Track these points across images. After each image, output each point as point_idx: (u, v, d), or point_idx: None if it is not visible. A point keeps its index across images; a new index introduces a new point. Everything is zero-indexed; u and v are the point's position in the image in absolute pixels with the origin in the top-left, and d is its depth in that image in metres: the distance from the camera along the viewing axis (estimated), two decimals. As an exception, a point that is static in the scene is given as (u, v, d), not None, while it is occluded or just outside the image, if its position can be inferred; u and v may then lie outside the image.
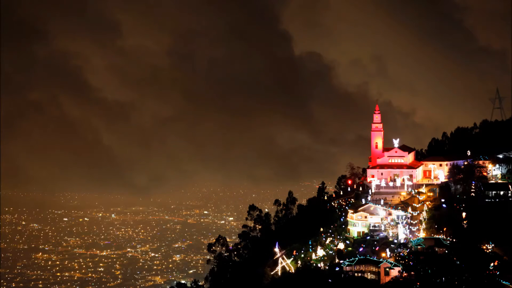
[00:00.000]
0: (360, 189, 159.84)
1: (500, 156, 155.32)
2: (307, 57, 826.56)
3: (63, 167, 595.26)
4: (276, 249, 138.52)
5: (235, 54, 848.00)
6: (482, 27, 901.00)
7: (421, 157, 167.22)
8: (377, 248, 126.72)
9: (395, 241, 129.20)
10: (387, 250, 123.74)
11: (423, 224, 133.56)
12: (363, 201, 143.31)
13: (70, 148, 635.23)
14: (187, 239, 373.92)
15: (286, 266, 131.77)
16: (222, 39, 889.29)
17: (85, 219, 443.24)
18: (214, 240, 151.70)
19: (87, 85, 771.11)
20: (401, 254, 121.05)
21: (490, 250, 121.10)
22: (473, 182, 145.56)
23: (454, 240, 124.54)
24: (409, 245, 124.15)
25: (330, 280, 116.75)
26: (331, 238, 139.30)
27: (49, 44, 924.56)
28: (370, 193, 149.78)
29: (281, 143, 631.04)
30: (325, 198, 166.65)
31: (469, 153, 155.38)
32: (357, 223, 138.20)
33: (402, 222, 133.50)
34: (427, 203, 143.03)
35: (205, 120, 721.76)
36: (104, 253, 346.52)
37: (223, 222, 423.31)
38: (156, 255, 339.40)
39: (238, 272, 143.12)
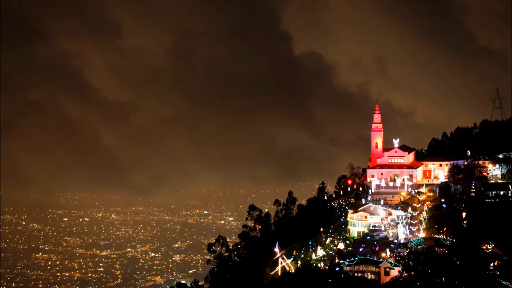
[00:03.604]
0: (360, 189, 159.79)
1: (500, 156, 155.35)
2: (307, 57, 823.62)
3: (63, 167, 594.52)
4: (276, 249, 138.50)
5: (235, 54, 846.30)
6: (482, 27, 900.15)
7: (421, 157, 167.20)
8: (377, 248, 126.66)
9: (395, 241, 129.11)
10: (387, 250, 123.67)
11: (423, 224, 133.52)
12: (363, 201, 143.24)
13: (70, 148, 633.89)
14: (187, 239, 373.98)
15: (286, 266, 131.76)
16: (222, 39, 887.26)
17: (85, 219, 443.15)
18: (214, 240, 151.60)
19: (87, 85, 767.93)
20: (401, 254, 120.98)
21: (490, 250, 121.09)
22: (473, 182, 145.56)
23: (454, 240, 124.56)
24: (409, 245, 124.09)
25: (330, 280, 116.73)
26: (331, 238, 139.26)
27: (49, 44, 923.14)
28: (370, 193, 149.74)
29: (281, 143, 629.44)
30: (325, 198, 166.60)
31: (469, 153, 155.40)
32: (357, 223, 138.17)
33: (402, 222, 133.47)
34: (427, 203, 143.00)
35: (205, 120, 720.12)
36: (104, 253, 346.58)
37: (223, 222, 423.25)
38: (156, 255, 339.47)
39: (238, 272, 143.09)
